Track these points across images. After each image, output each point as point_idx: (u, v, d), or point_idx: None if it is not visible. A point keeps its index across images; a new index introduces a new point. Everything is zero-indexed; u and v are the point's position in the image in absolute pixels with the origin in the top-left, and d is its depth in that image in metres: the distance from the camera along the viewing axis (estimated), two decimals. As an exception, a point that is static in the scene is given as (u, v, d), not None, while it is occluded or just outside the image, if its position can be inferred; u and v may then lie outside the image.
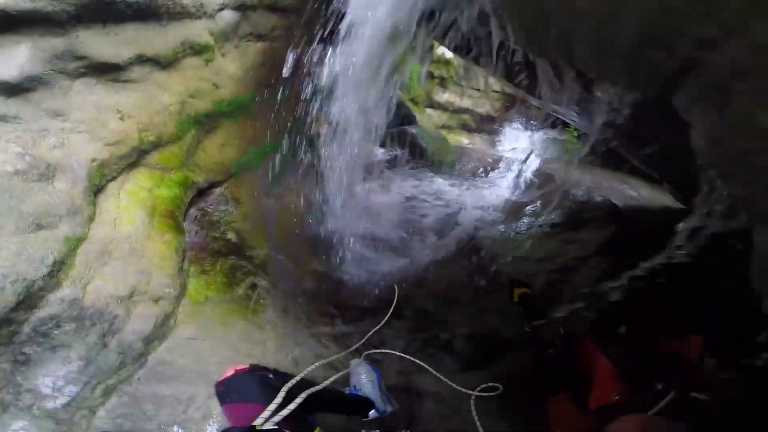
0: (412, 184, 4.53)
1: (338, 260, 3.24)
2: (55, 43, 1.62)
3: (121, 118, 1.86)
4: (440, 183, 4.69)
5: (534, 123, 5.71)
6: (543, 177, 4.61)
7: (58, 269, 1.50)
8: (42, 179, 1.56)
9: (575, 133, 4.92)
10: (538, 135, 5.56)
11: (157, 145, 2.06)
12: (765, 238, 0.86)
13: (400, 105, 4.49)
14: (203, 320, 1.92)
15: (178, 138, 2.16)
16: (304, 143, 3.23)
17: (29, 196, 1.48)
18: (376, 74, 2.69)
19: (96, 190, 1.79)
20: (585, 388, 1.64)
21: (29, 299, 1.42)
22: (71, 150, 1.68)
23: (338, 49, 2.61)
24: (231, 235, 2.36)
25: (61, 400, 1.44)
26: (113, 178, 1.92)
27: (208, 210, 2.39)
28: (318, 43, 2.67)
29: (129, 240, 1.82)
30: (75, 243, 1.59)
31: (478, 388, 2.03)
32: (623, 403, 1.47)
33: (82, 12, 1.63)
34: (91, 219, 1.71)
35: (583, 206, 4.02)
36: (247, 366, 1.24)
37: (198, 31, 2.11)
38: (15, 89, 1.60)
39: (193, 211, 2.36)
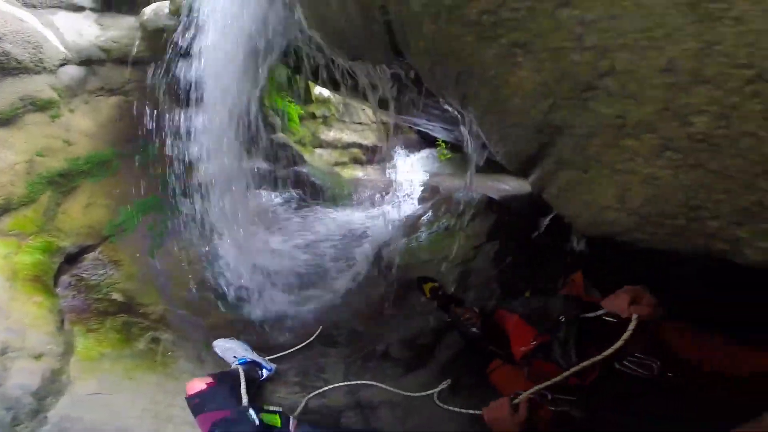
0: (313, 221, 4.61)
1: (251, 308, 3.09)
2: None
3: (-41, 179, 1.63)
4: (340, 215, 4.85)
5: (413, 144, 6.37)
6: (429, 189, 5.14)
7: None
8: None
9: (443, 145, 5.62)
10: (419, 154, 6.21)
11: (6, 209, 1.86)
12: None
13: (285, 147, 4.62)
14: (104, 375, 1.81)
15: (31, 200, 1.96)
16: (181, 197, 3.10)
17: None
18: (236, 115, 2.79)
19: (-59, 257, 1.54)
20: (508, 347, 1.82)
21: None
22: None
23: (195, 96, 2.64)
24: (116, 296, 2.17)
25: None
26: None
27: (84, 276, 2.16)
28: (175, 94, 2.68)
29: None
30: None
31: (438, 389, 2.13)
32: (543, 344, 1.63)
33: None
34: (-66, 284, 1.47)
35: (467, 205, 4.55)
36: (211, 378, 1.41)
37: (38, 86, 2.01)
38: None
39: (65, 277, 2.17)
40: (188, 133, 2.88)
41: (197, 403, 1.35)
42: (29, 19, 2.04)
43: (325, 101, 5.49)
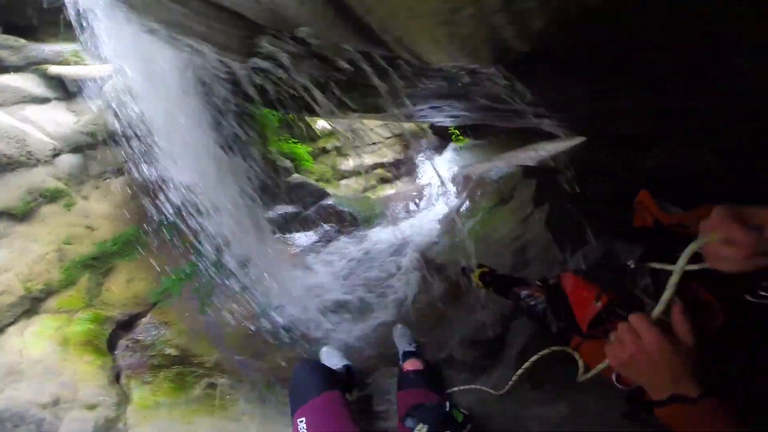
0: (352, 247, 4.58)
1: (311, 341, 3.07)
2: None
3: (-3, 273, 1.86)
4: (377, 234, 4.80)
5: (435, 146, 6.26)
6: (462, 181, 4.95)
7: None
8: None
9: (457, 132, 5.41)
10: (444, 153, 6.07)
11: (48, 292, 2.10)
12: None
13: (304, 185, 4.74)
14: (162, 421, 1.90)
15: (71, 282, 2.16)
16: (215, 256, 3.25)
17: None
18: (232, 170, 2.87)
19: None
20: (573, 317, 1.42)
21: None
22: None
23: (182, 163, 2.75)
24: (170, 351, 2.34)
25: None
26: (11, 323, 2.03)
27: (139, 338, 2.36)
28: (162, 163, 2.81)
29: (41, 363, 1.93)
30: (-27, 369, 1.65)
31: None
32: (611, 304, 1.20)
33: None
34: (-10, 352, 1.74)
35: (502, 181, 4.30)
36: (422, 364, 1.66)
37: (40, 177, 2.25)
38: None
39: (122, 341, 2.38)
40: (195, 197, 3.03)
41: (412, 378, 1.57)
42: (1, 116, 2.27)
43: (330, 133, 5.62)
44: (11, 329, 2.01)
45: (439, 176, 5.54)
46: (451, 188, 5.08)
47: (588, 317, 1.26)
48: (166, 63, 2.04)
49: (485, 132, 5.94)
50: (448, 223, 4.39)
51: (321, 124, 5.37)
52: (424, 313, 3.38)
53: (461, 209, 4.43)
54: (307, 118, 5.03)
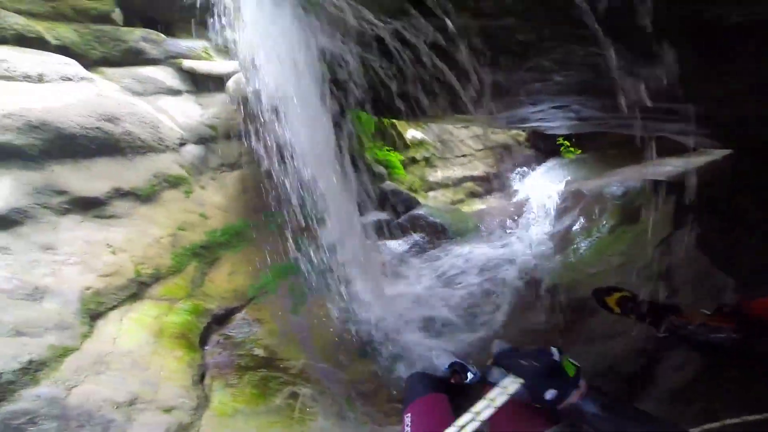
0: (444, 261, 4.24)
1: (396, 356, 2.78)
2: (34, 176, 1.79)
3: (113, 252, 1.90)
4: (472, 249, 4.41)
5: (531, 160, 5.72)
6: (572, 196, 4.38)
7: (35, 369, 1.56)
8: (28, 299, 1.70)
9: (567, 143, 4.81)
10: (542, 167, 5.50)
11: (157, 277, 2.09)
12: None
13: (397, 193, 4.55)
14: None
15: (178, 270, 2.14)
16: (316, 257, 3.16)
17: (11, 310, 1.64)
18: (337, 169, 2.76)
19: (93, 315, 1.85)
20: None
21: (-5, 389, 1.39)
22: (63, 278, 1.79)
23: (293, 156, 2.70)
24: (259, 351, 2.21)
25: None
26: (114, 307, 1.96)
27: (231, 334, 2.27)
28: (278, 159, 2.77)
29: (131, 354, 1.83)
30: (62, 351, 1.66)
31: None
32: None
33: (50, 146, 1.80)
34: (85, 336, 1.77)
35: (626, 198, 3.68)
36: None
37: (166, 163, 2.31)
38: (3, 221, 1.78)
39: (215, 336, 2.29)
40: (305, 195, 2.98)
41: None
42: (139, 103, 2.41)
43: (420, 143, 5.40)
44: (112, 314, 1.96)
45: (541, 191, 4.98)
46: (557, 205, 4.51)
47: None
48: (299, 54, 1.98)
49: (588, 146, 5.28)
50: (559, 241, 3.85)
51: (411, 133, 5.19)
52: (530, 337, 2.91)
53: (574, 228, 3.85)
54: (399, 128, 4.88)
